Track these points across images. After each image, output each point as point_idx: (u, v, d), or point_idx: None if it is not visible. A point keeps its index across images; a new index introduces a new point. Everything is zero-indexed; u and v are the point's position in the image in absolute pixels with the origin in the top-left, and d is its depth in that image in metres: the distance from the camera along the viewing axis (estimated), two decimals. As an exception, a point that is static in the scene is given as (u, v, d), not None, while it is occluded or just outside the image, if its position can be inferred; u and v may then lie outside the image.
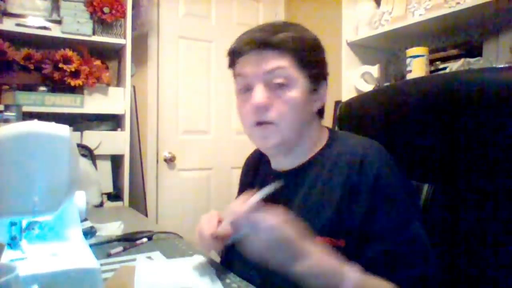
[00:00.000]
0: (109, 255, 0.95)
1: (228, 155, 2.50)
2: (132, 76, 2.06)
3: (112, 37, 1.99)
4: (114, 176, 2.06)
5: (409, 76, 1.58)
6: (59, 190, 0.63)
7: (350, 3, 1.94)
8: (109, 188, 2.02)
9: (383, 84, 1.81)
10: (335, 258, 0.64)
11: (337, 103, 1.79)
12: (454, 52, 1.58)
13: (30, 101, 1.77)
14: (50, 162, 0.62)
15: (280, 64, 0.74)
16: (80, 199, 0.72)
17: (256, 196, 0.67)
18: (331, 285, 0.62)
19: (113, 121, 2.07)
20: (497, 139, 0.69)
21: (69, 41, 1.88)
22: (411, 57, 1.58)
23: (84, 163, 1.74)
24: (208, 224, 0.78)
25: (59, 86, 1.87)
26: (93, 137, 1.92)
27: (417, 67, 1.56)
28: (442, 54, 1.61)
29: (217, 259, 0.93)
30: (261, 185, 0.72)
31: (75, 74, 1.85)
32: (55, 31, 1.86)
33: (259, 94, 0.74)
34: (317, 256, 0.64)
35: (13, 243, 0.63)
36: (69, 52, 1.84)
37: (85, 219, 1.08)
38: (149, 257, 0.94)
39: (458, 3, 1.44)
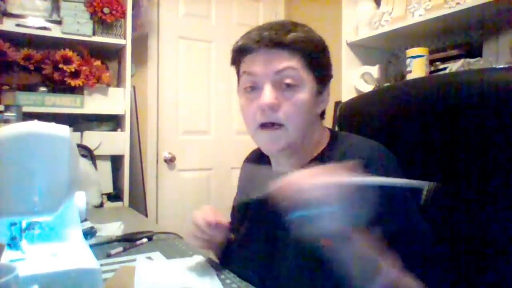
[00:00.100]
0: (109, 256, 0.95)
1: (228, 155, 2.50)
2: (132, 76, 2.05)
3: (112, 38, 1.98)
4: (114, 176, 2.06)
5: (409, 77, 1.57)
6: (59, 191, 0.63)
7: (350, 3, 1.94)
8: (109, 189, 2.02)
9: (383, 84, 1.81)
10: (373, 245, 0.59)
11: (337, 103, 1.79)
12: (454, 52, 1.58)
13: (30, 101, 1.76)
14: (50, 162, 0.62)
15: (291, 64, 0.73)
16: (80, 200, 0.72)
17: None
18: (367, 272, 0.58)
19: (113, 122, 2.07)
20: (497, 139, 0.69)
21: (69, 41, 1.88)
22: (411, 57, 1.58)
23: (84, 163, 1.74)
24: (204, 215, 0.79)
25: (59, 87, 1.87)
26: (93, 138, 1.92)
27: (417, 67, 1.55)
28: (442, 54, 1.61)
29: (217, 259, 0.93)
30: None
31: (75, 74, 1.85)
32: (55, 32, 1.86)
33: (268, 94, 0.72)
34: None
35: (13, 243, 0.62)
36: (69, 53, 1.84)
37: (85, 220, 1.08)
38: (149, 258, 0.94)
39: (458, 3, 1.44)
